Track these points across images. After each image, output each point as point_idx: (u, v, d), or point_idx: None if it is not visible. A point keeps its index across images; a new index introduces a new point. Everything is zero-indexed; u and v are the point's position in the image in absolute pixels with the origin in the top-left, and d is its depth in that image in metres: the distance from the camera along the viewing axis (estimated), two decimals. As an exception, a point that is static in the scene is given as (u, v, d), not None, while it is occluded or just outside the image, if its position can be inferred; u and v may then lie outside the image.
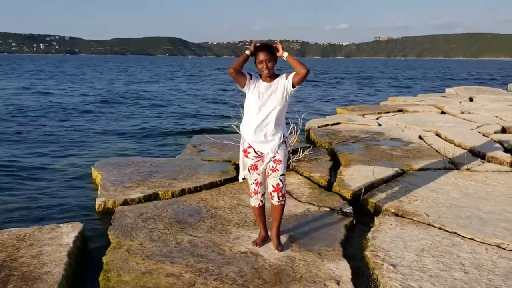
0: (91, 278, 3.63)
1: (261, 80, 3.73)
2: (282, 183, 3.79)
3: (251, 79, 3.71)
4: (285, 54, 3.63)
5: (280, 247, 3.90)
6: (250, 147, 3.79)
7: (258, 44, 3.65)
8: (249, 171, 3.85)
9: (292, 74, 3.65)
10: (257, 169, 3.83)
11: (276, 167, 3.75)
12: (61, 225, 4.32)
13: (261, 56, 3.60)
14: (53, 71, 51.86)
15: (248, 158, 3.81)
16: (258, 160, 3.82)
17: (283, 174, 3.79)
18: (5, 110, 15.74)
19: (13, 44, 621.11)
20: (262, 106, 3.67)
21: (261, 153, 3.80)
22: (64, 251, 3.72)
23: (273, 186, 3.79)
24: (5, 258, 3.60)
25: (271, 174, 3.77)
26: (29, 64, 78.69)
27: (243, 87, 3.72)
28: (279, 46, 3.64)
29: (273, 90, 3.68)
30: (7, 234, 4.08)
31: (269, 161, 3.75)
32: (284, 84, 3.68)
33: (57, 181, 6.83)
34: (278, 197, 3.79)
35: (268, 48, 3.64)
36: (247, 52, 3.68)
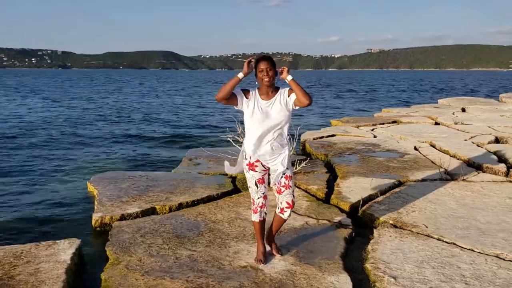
0: (89, 295, 3.59)
1: (259, 96, 3.69)
2: (294, 199, 3.88)
3: (246, 97, 3.68)
4: (289, 77, 3.60)
5: (280, 252, 4.04)
6: (257, 160, 3.75)
7: (252, 59, 3.63)
8: (256, 184, 3.80)
9: (294, 94, 3.64)
10: (264, 182, 3.82)
11: (288, 183, 3.79)
12: (58, 241, 4.27)
13: (262, 65, 3.58)
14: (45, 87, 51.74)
15: (256, 171, 3.78)
16: (265, 174, 3.82)
17: (294, 190, 3.88)
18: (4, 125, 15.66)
19: (4, 59, 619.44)
20: (265, 122, 3.63)
21: (268, 167, 3.80)
22: (62, 268, 3.68)
23: (287, 203, 3.84)
24: (1, 276, 3.55)
25: (284, 191, 3.80)
26: (21, 79, 78.39)
27: (238, 106, 3.71)
28: (285, 70, 3.63)
29: (275, 105, 3.65)
30: (3, 251, 4.03)
31: (281, 177, 3.75)
32: (286, 100, 3.66)
33: (53, 197, 6.78)
34: (290, 212, 3.90)
35: (269, 58, 3.65)
36: (240, 75, 3.56)
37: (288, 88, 3.71)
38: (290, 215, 3.90)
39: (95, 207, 5.53)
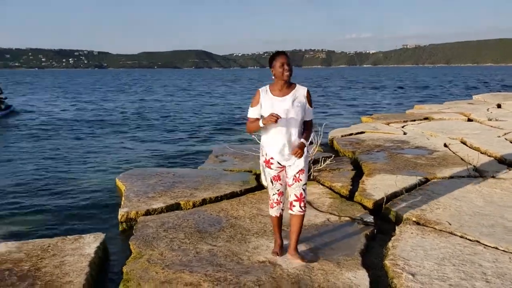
0: None
1: (272, 94, 3.69)
2: (305, 193, 3.79)
3: (259, 99, 3.71)
4: (305, 142, 3.69)
5: (304, 259, 3.83)
6: (273, 158, 3.76)
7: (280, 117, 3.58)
8: (271, 181, 3.83)
9: (310, 111, 3.76)
10: (280, 179, 3.82)
11: (299, 177, 3.74)
12: (83, 235, 4.43)
13: (281, 59, 3.59)
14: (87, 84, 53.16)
15: (271, 168, 3.79)
16: (281, 171, 3.81)
17: (305, 184, 3.79)
18: (37, 123, 16.25)
19: (43, 59, 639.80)
20: (284, 120, 3.59)
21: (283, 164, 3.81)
22: (86, 261, 3.81)
23: (295, 196, 3.77)
24: (29, 268, 3.72)
25: (294, 184, 3.76)
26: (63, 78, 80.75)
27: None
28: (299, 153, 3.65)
29: (289, 101, 3.64)
30: (32, 244, 4.21)
31: (293, 172, 3.75)
32: (304, 102, 3.68)
33: (82, 192, 7.01)
34: (300, 207, 3.77)
35: (285, 53, 3.66)
36: (261, 123, 3.63)
37: (307, 90, 3.73)
38: (302, 210, 3.77)
39: (122, 203, 5.69)
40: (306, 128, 3.77)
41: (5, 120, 18.11)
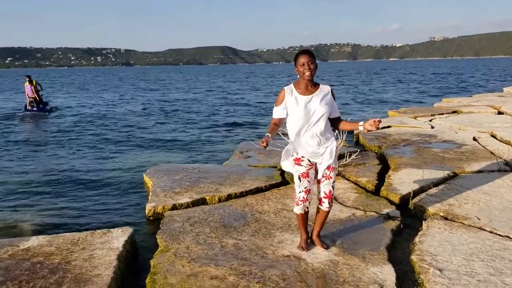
0: (139, 281, 3.79)
1: (297, 93, 3.68)
2: (333, 190, 3.86)
3: (284, 98, 3.72)
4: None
5: (325, 245, 4.00)
6: (304, 156, 3.77)
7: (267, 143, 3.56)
8: (299, 178, 3.82)
9: (336, 107, 3.76)
10: (308, 176, 3.80)
11: (329, 174, 3.79)
12: (112, 230, 4.52)
13: (302, 58, 3.59)
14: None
15: (301, 165, 3.78)
16: (310, 168, 3.80)
17: (334, 181, 3.85)
18: (70, 120, 16.64)
19: (72, 58, 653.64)
20: (306, 118, 3.62)
21: (314, 162, 3.81)
22: (114, 255, 3.89)
23: (325, 193, 3.83)
24: (59, 261, 3.82)
25: (324, 181, 3.81)
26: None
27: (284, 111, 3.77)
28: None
29: (315, 101, 3.63)
30: (62, 238, 4.32)
31: (324, 169, 3.77)
32: (330, 98, 3.69)
33: (110, 188, 7.14)
34: (328, 203, 3.86)
35: (309, 51, 3.66)
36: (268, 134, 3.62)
37: (331, 88, 3.73)
38: (329, 206, 3.86)
39: (149, 197, 5.78)
40: (344, 121, 3.83)
41: (41, 116, 18.72)
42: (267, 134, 3.63)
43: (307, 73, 3.59)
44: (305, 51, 3.65)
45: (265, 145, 3.49)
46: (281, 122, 3.83)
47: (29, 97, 19.29)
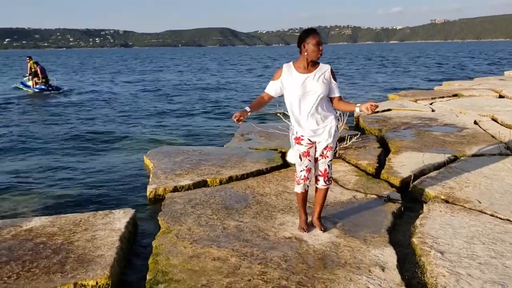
0: (141, 261, 3.80)
1: (295, 71, 3.66)
2: (329, 169, 3.87)
3: (281, 75, 3.71)
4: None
5: (324, 227, 4.00)
6: (303, 135, 3.77)
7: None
8: (300, 157, 3.83)
9: (336, 87, 3.70)
10: (309, 155, 3.81)
11: (326, 153, 3.79)
12: (113, 211, 4.53)
13: (316, 39, 3.54)
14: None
15: (302, 145, 3.79)
16: (311, 147, 3.81)
17: (331, 160, 3.85)
18: (72, 101, 16.57)
19: (70, 39, 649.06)
20: (303, 96, 3.61)
21: (314, 141, 3.81)
22: (116, 236, 3.91)
23: (320, 171, 3.86)
24: (62, 241, 3.84)
25: (320, 159, 3.82)
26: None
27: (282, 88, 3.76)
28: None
29: (314, 79, 3.60)
30: (64, 219, 4.33)
31: (322, 148, 3.77)
32: (329, 77, 3.64)
33: (112, 169, 7.15)
34: (324, 181, 3.88)
35: (318, 32, 3.62)
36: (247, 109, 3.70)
37: (330, 67, 3.68)
38: (326, 184, 3.87)
39: (150, 179, 5.78)
40: (343, 100, 3.79)
41: (45, 97, 18.82)
42: (245, 108, 3.66)
43: (319, 56, 3.57)
44: (315, 31, 3.61)
45: (237, 119, 3.54)
46: (268, 101, 3.82)
47: (41, 77, 20.44)
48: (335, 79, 3.69)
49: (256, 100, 3.82)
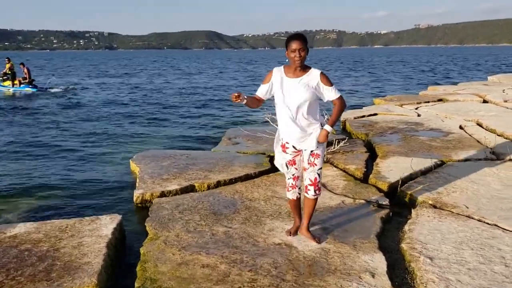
0: (128, 269, 3.73)
1: (285, 75, 3.64)
2: (319, 177, 3.79)
3: (272, 78, 3.70)
4: (329, 129, 3.69)
5: (317, 238, 3.91)
6: (288, 142, 3.75)
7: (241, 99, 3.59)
8: (286, 166, 3.81)
9: (330, 90, 3.64)
10: (295, 164, 3.80)
11: (314, 161, 3.73)
12: (100, 216, 4.46)
13: (294, 45, 3.51)
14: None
15: (287, 153, 3.78)
16: (296, 155, 3.79)
17: (320, 168, 3.78)
18: (56, 104, 16.34)
19: (54, 41, 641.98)
20: (290, 101, 3.58)
21: (299, 149, 3.78)
22: (103, 242, 3.84)
23: (310, 180, 3.78)
24: (48, 248, 3.76)
25: (308, 168, 3.76)
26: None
27: (272, 91, 3.74)
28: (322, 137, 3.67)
29: (302, 85, 3.57)
30: (50, 225, 4.25)
31: (308, 156, 3.74)
32: (316, 86, 3.60)
33: (97, 174, 7.05)
34: (314, 191, 3.80)
35: (301, 37, 3.59)
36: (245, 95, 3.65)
37: (320, 72, 3.63)
38: (315, 194, 3.80)
39: (137, 184, 5.71)
40: (335, 107, 3.74)
41: (28, 99, 18.70)
42: (245, 95, 3.63)
43: (298, 60, 3.52)
44: (297, 36, 3.58)
45: (235, 98, 3.53)
46: (260, 100, 3.79)
47: (28, 78, 21.08)
48: (329, 83, 3.63)
49: (252, 96, 3.79)
